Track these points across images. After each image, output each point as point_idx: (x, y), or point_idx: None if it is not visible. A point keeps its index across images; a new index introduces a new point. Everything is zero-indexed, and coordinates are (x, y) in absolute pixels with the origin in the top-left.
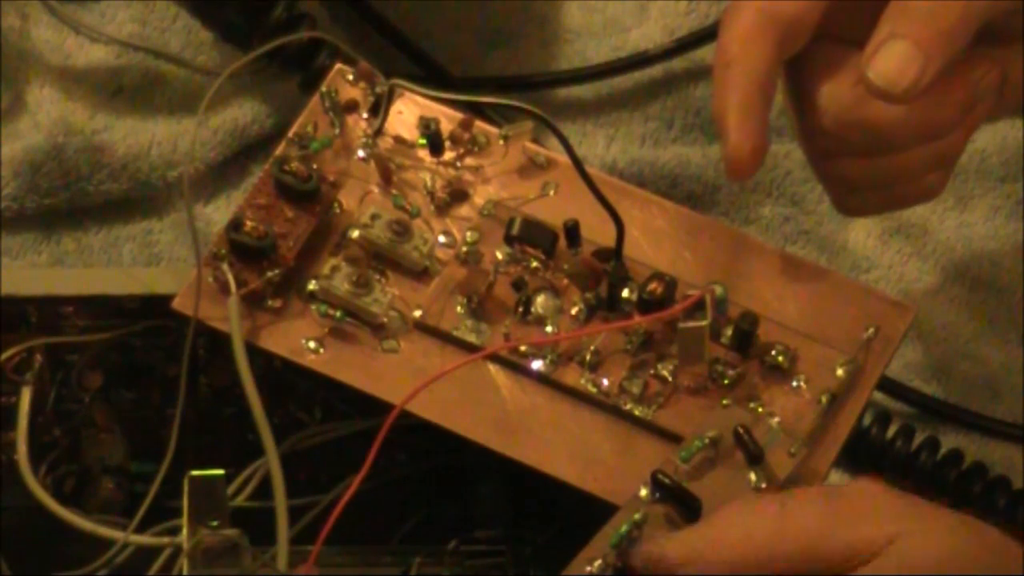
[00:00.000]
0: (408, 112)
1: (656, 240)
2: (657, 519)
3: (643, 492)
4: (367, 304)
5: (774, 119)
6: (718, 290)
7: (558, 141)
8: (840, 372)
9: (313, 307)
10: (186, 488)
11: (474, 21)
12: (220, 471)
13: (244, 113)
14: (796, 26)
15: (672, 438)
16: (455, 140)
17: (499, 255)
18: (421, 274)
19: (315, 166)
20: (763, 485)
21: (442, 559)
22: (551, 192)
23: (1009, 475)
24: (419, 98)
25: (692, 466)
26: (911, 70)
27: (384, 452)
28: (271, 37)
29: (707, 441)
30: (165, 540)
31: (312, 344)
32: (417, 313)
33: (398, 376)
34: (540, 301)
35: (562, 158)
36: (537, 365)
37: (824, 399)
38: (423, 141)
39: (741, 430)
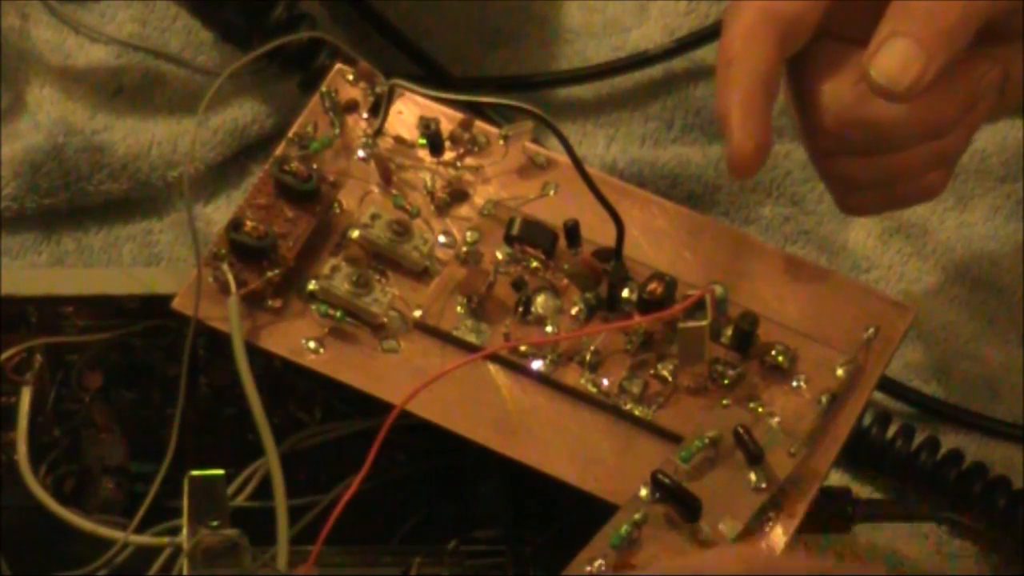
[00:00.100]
0: (408, 112)
1: (656, 240)
2: (657, 519)
3: (643, 492)
4: (367, 304)
5: (774, 119)
6: (718, 290)
7: (558, 141)
8: (840, 372)
9: (313, 307)
10: (186, 488)
11: (474, 21)
12: (220, 471)
13: (244, 113)
14: (797, 24)
15: (672, 438)
16: (455, 140)
17: (499, 255)
18: (421, 274)
19: (315, 166)
20: (763, 485)
21: (442, 559)
22: (551, 192)
23: (1009, 475)
24: (419, 98)
25: (692, 466)
26: (913, 68)
27: (384, 452)
28: (271, 37)
29: (707, 441)
30: (165, 540)
31: (312, 344)
32: (417, 313)
33: (398, 376)
34: (540, 301)
35: (562, 158)
36: (537, 365)
37: (824, 399)
38: (423, 141)
39: (741, 430)
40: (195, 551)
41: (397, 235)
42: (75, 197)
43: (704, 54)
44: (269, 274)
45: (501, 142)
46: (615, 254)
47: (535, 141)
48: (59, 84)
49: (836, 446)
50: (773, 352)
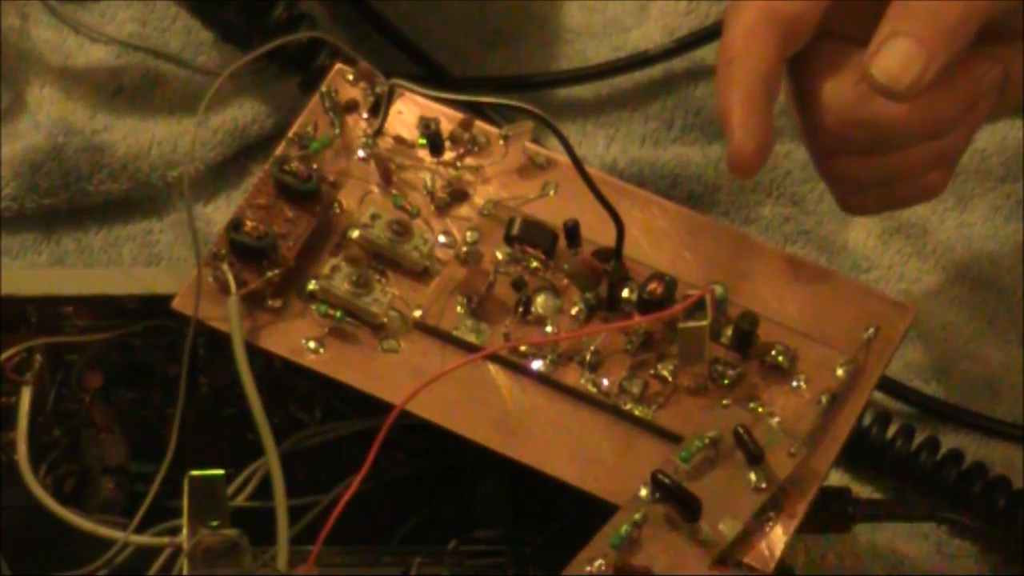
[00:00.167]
0: (408, 112)
1: (656, 240)
2: (657, 519)
3: (643, 492)
4: (367, 304)
5: (774, 119)
6: (718, 290)
7: (558, 141)
8: (840, 372)
9: (313, 307)
10: (186, 488)
11: (474, 21)
12: (220, 471)
13: (244, 113)
14: (798, 24)
15: (672, 438)
16: (455, 140)
17: (499, 255)
18: (421, 274)
19: (315, 166)
20: (763, 485)
21: (442, 559)
22: (551, 192)
23: (1009, 475)
24: (419, 98)
25: (692, 466)
26: (914, 67)
27: (384, 452)
28: (271, 37)
29: (707, 441)
30: (165, 540)
31: (312, 344)
32: (417, 313)
33: (398, 376)
34: (540, 301)
35: (562, 158)
36: (537, 365)
37: (824, 399)
38: (423, 141)
39: (741, 430)
40: (195, 551)
41: (397, 235)
42: (75, 197)
43: (704, 54)
44: (269, 274)
45: (501, 142)
46: (615, 254)
47: (535, 141)
48: (59, 84)
49: (836, 446)
50: (773, 352)
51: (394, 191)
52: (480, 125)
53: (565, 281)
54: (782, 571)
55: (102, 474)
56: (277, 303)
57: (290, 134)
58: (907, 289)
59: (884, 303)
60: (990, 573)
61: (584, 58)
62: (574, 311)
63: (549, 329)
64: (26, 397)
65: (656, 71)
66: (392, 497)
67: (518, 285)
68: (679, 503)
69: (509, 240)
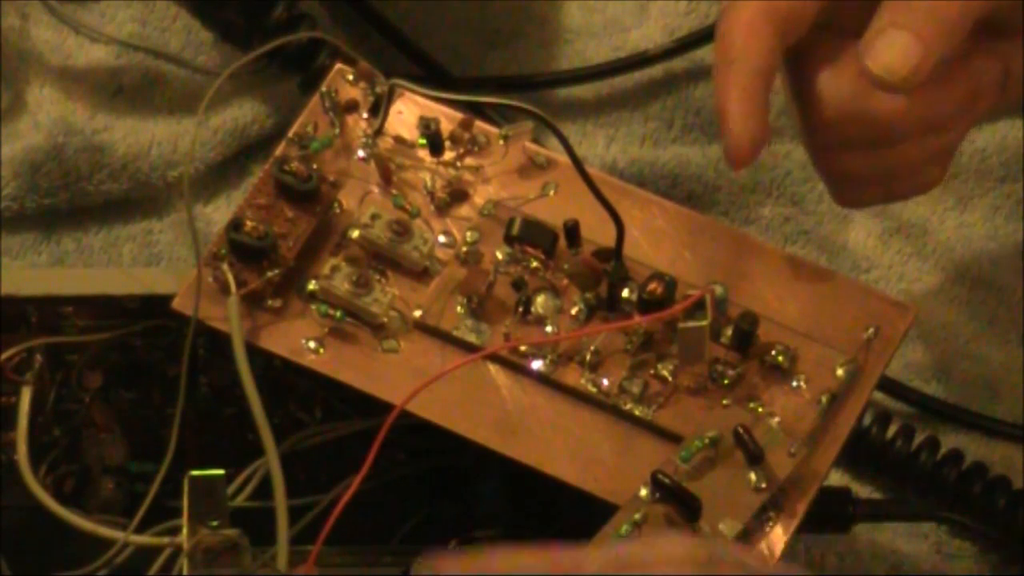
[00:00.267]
0: (408, 112)
1: (656, 240)
2: (657, 519)
3: (643, 492)
4: (367, 304)
5: (774, 120)
6: (718, 290)
7: (558, 141)
8: (840, 372)
9: (313, 307)
10: (186, 488)
11: (474, 21)
12: (220, 471)
13: (244, 113)
14: (795, 17)
15: (672, 438)
16: (455, 140)
17: (499, 255)
18: (421, 274)
19: (315, 166)
20: (763, 485)
21: None
22: (551, 192)
23: (1009, 475)
24: (419, 98)
25: (692, 466)
26: (910, 59)
27: (384, 452)
28: (271, 37)
29: (707, 441)
30: (165, 540)
31: (312, 344)
32: (417, 313)
33: (398, 376)
34: (540, 301)
35: (562, 158)
36: (537, 365)
37: (824, 399)
38: (423, 141)
39: (741, 430)
40: (195, 551)
41: (397, 235)
42: (75, 197)
43: (704, 54)
44: (269, 274)
45: (501, 142)
46: (615, 254)
47: (535, 141)
48: (59, 84)
49: (836, 446)
50: (773, 352)
51: (394, 191)
52: (480, 125)
53: (565, 281)
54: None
55: (102, 474)
56: (277, 303)
57: (290, 134)
58: (907, 289)
59: (884, 303)
60: (990, 573)
61: (584, 58)
62: (574, 311)
63: (549, 329)
64: (26, 397)
65: (656, 71)
66: (392, 497)
67: (518, 285)
68: (679, 503)
69: (509, 240)
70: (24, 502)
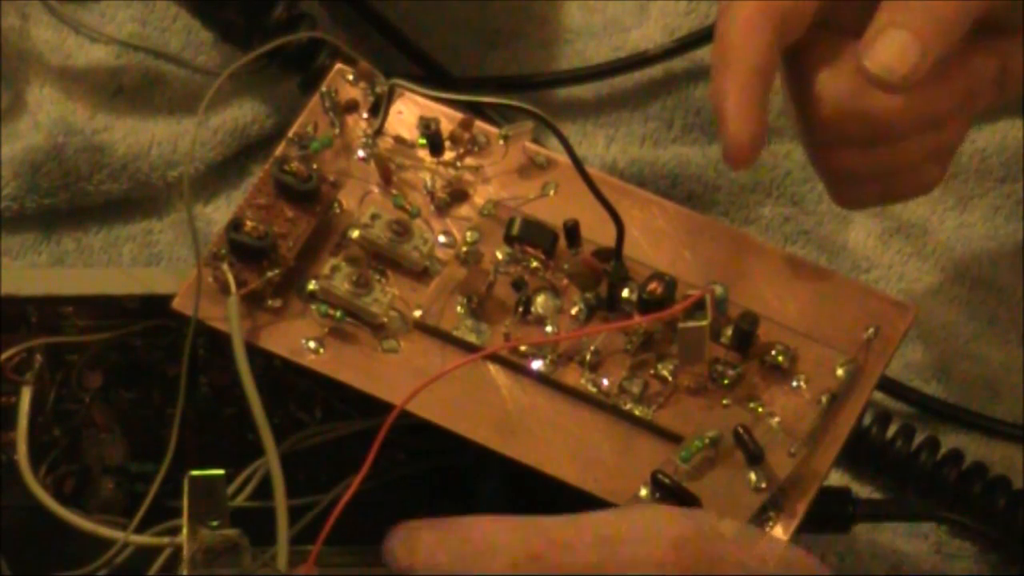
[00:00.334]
0: (408, 112)
1: (656, 240)
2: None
3: (643, 492)
4: (367, 304)
5: (773, 120)
6: (718, 290)
7: (558, 141)
8: (840, 372)
9: (313, 307)
10: (186, 488)
11: (474, 21)
12: (220, 471)
13: (244, 113)
14: (794, 16)
15: (672, 438)
16: (455, 140)
17: (499, 255)
18: (421, 274)
19: (315, 166)
20: (763, 485)
21: None
22: (551, 192)
23: (1009, 475)
24: (419, 98)
25: (692, 466)
26: (908, 58)
27: (384, 452)
28: (271, 37)
29: (707, 441)
30: (165, 540)
31: (312, 344)
32: (417, 313)
33: (398, 376)
34: (540, 301)
35: (562, 158)
36: (537, 365)
37: (824, 399)
38: (423, 141)
39: (741, 430)
40: (195, 551)
41: (397, 235)
42: (75, 197)
43: (704, 54)
44: (269, 274)
45: (501, 142)
46: (615, 254)
47: (535, 141)
48: (59, 84)
49: (836, 446)
50: (773, 352)
51: (394, 191)
52: (480, 125)
53: (565, 281)
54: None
55: (102, 474)
56: (277, 303)
57: (290, 134)
58: (907, 289)
59: (884, 303)
60: (990, 573)
61: (584, 58)
62: (574, 311)
63: (549, 329)
64: (26, 397)
65: (656, 71)
66: (392, 497)
67: (518, 285)
68: (679, 503)
69: (509, 240)
70: (24, 502)
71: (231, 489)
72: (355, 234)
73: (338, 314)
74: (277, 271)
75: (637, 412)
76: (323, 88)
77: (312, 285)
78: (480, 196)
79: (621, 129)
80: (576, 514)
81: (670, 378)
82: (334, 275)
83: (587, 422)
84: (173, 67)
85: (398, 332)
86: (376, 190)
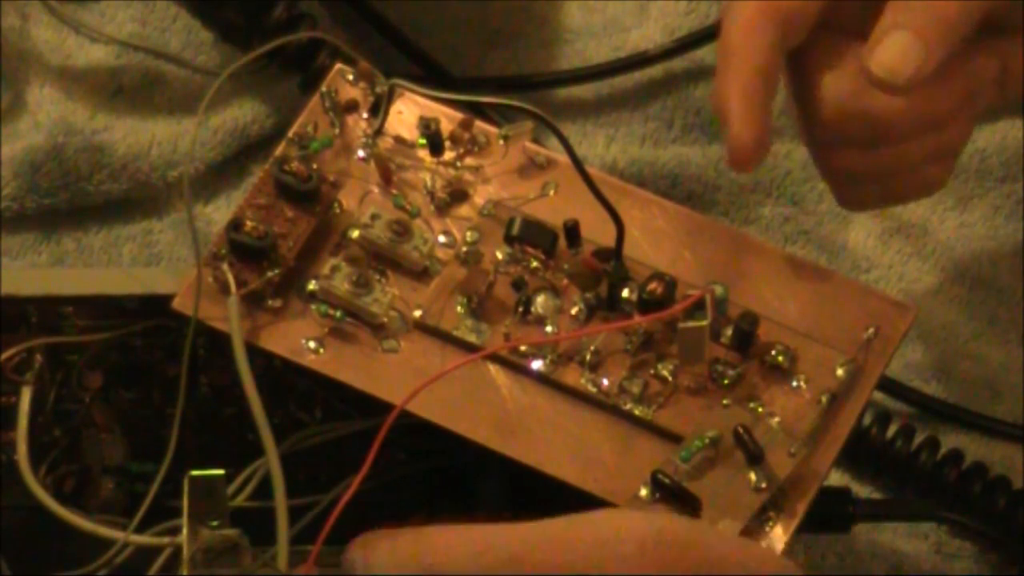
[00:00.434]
0: (408, 112)
1: (656, 240)
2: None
3: (643, 492)
4: (367, 304)
5: (774, 119)
6: (718, 290)
7: (558, 141)
8: (840, 372)
9: (313, 307)
10: (186, 488)
11: (474, 21)
12: (220, 471)
13: (244, 113)
14: (797, 18)
15: (672, 438)
16: (455, 140)
17: (499, 255)
18: (421, 274)
19: (315, 166)
20: (763, 485)
21: None
22: (551, 192)
23: (1009, 475)
24: (419, 98)
25: (692, 466)
26: (912, 61)
27: (384, 452)
28: (271, 37)
29: (707, 441)
30: (165, 540)
31: (312, 344)
32: (417, 313)
33: (398, 376)
34: (540, 301)
35: (562, 158)
36: (537, 365)
37: (824, 399)
38: (423, 141)
39: (741, 430)
40: (195, 551)
41: (397, 235)
42: (75, 197)
43: (704, 54)
44: (269, 274)
45: (501, 142)
46: (615, 254)
47: (535, 141)
48: (59, 84)
49: (836, 446)
50: (773, 352)
51: (394, 191)
52: (480, 125)
53: (565, 281)
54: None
55: (102, 474)
56: (277, 303)
57: (290, 134)
58: (907, 289)
59: (884, 303)
60: (990, 573)
61: (584, 58)
62: (574, 311)
63: (549, 329)
64: (26, 397)
65: (656, 71)
66: (392, 497)
67: (518, 285)
68: (679, 503)
69: (509, 240)
70: (24, 502)
71: (231, 489)
72: (355, 234)
73: (338, 314)
74: (277, 271)
75: (637, 412)
76: (323, 88)
77: (312, 285)
78: (480, 196)
79: (621, 129)
80: (537, 521)
81: (670, 378)
82: (334, 275)
83: (587, 422)
84: (173, 67)
85: (398, 332)
86: (376, 190)
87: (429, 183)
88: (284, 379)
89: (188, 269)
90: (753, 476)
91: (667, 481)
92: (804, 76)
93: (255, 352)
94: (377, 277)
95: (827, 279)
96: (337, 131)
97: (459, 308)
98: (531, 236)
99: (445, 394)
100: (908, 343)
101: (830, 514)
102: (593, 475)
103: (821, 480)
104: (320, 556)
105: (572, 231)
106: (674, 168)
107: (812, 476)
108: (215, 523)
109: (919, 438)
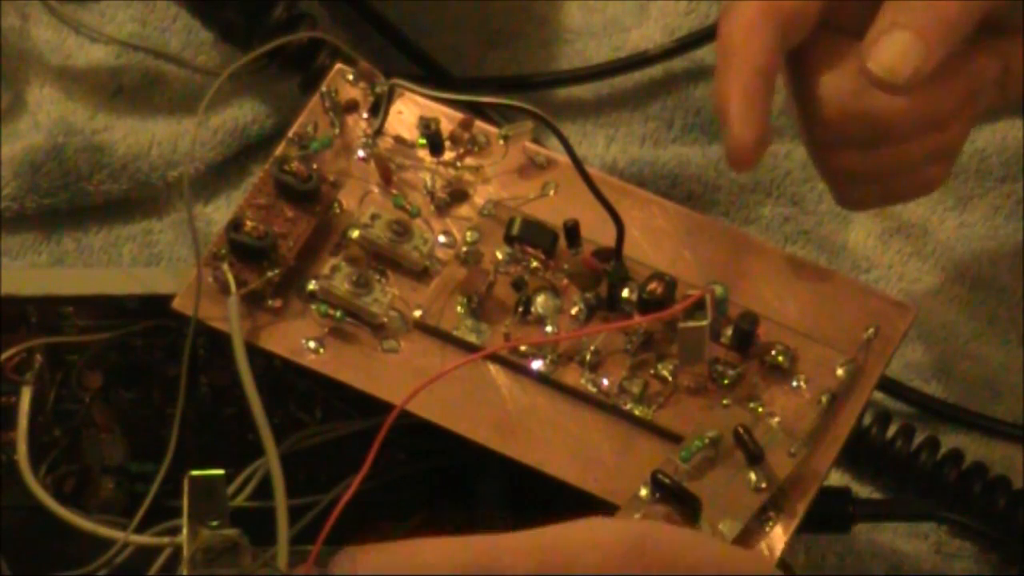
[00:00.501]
0: (408, 112)
1: (656, 240)
2: (657, 519)
3: (643, 492)
4: (367, 304)
5: (774, 119)
6: (718, 290)
7: (558, 141)
8: (840, 372)
9: (313, 307)
10: (186, 488)
11: (474, 21)
12: (220, 471)
13: (244, 113)
14: (798, 18)
15: (672, 438)
16: (455, 140)
17: (499, 255)
18: (421, 274)
19: (315, 166)
20: (763, 485)
21: None
22: (551, 192)
23: (1009, 475)
24: (419, 98)
25: (692, 466)
26: (911, 60)
27: (384, 452)
28: (271, 37)
29: (707, 441)
30: (165, 540)
31: (312, 344)
32: (417, 313)
33: (398, 376)
34: (540, 301)
35: (562, 158)
36: (537, 365)
37: (824, 399)
38: (423, 141)
39: (741, 430)
40: (195, 551)
41: (397, 235)
42: (75, 197)
43: (704, 54)
44: (269, 274)
45: (501, 142)
46: (615, 254)
47: (535, 141)
48: (59, 84)
49: (836, 446)
50: (773, 352)
51: (394, 191)
52: (480, 125)
53: (565, 281)
54: (782, 566)
55: (102, 474)
56: (277, 303)
57: (290, 134)
58: (907, 289)
59: (884, 303)
60: (990, 573)
61: (584, 58)
62: (574, 311)
63: (549, 329)
64: (26, 397)
65: (656, 71)
66: (392, 497)
67: (518, 285)
68: (679, 503)
69: (509, 240)
70: (24, 502)
71: (231, 489)
72: (355, 234)
73: (338, 314)
74: (277, 271)
75: (637, 412)
76: (323, 88)
77: (312, 285)
78: (480, 196)
79: (621, 129)
80: (520, 531)
81: (670, 378)
82: (334, 275)
83: (587, 422)
84: (173, 67)
85: (398, 332)
86: (376, 190)
87: (429, 183)
88: (284, 379)
89: (188, 269)
90: (753, 476)
91: (667, 481)
92: (804, 76)
93: (255, 352)
94: (377, 277)
95: (827, 279)
96: (337, 131)
97: (459, 308)
98: (531, 236)
99: (445, 394)
100: (908, 343)
101: (830, 514)
102: (593, 475)
103: (821, 480)
104: (320, 556)
105: (572, 231)
106: (674, 168)
107: (812, 476)
108: (215, 523)
109: (919, 438)
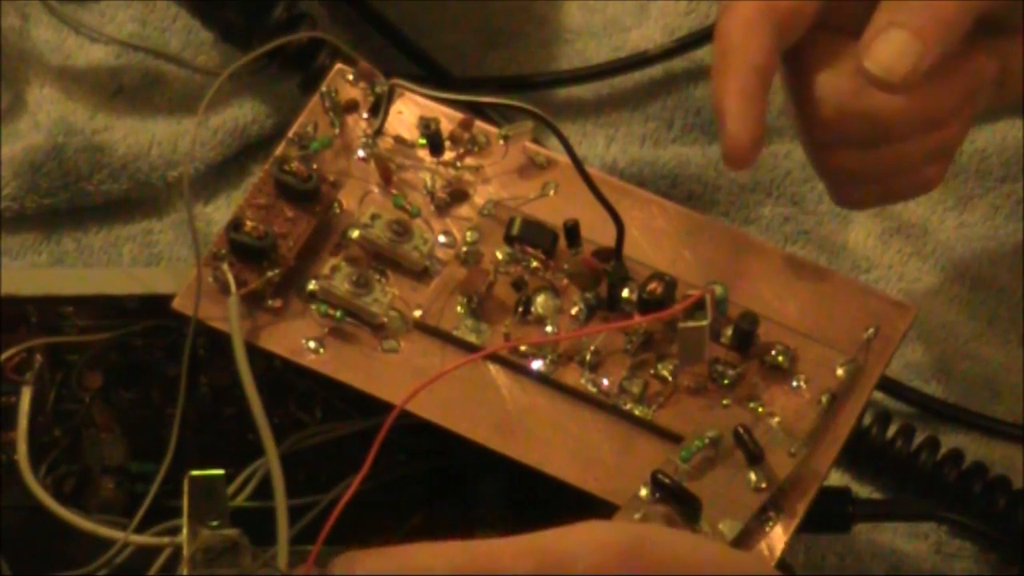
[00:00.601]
0: (408, 112)
1: (656, 240)
2: (657, 519)
3: (643, 492)
4: (367, 304)
5: (774, 119)
6: (718, 290)
7: (558, 141)
8: (840, 372)
9: (313, 307)
10: (186, 488)
11: (474, 21)
12: (220, 471)
13: (244, 113)
14: (795, 17)
15: (672, 438)
16: (455, 140)
17: (499, 255)
18: (421, 274)
19: (315, 166)
20: (763, 485)
21: None
22: (551, 192)
23: (1009, 475)
24: (419, 98)
25: (692, 466)
26: (908, 59)
27: (384, 452)
28: (271, 37)
29: (707, 441)
30: (165, 540)
31: (312, 344)
32: (417, 313)
33: (398, 376)
34: (540, 301)
35: (562, 158)
36: (537, 365)
37: (824, 399)
38: (423, 141)
39: (741, 430)
40: (195, 551)
41: (397, 235)
42: (75, 197)
43: (704, 54)
44: (269, 274)
45: (501, 142)
46: (615, 254)
47: (535, 141)
48: (59, 84)
49: (836, 446)
50: (773, 352)
51: (394, 191)
52: (480, 125)
53: (565, 281)
54: (782, 566)
55: (102, 474)
56: (277, 303)
57: (290, 134)
58: (907, 289)
59: (884, 303)
60: (990, 573)
61: (584, 58)
62: (574, 311)
63: (549, 329)
64: (26, 397)
65: (656, 71)
66: (392, 497)
67: (518, 285)
68: (679, 503)
69: (509, 240)
70: (24, 502)
71: (231, 489)
72: (355, 234)
73: (338, 314)
74: (277, 271)
75: (637, 412)
76: (323, 88)
77: (312, 285)
78: (480, 196)
79: (621, 129)
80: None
81: (670, 378)
82: (334, 275)
83: (587, 422)
84: (173, 67)
85: (398, 332)
86: (376, 190)
87: (429, 183)
88: (284, 379)
89: (188, 269)
90: (753, 476)
91: (667, 481)
92: (802, 76)
93: (255, 352)
94: (377, 277)
95: (827, 279)
96: (337, 131)
97: (459, 308)
98: (531, 236)
99: (445, 394)
100: (908, 343)
101: (830, 514)
102: (593, 475)
103: (821, 480)
104: (320, 556)
105: (572, 231)
106: (674, 168)
107: (812, 476)
108: (215, 523)
109: (919, 438)
